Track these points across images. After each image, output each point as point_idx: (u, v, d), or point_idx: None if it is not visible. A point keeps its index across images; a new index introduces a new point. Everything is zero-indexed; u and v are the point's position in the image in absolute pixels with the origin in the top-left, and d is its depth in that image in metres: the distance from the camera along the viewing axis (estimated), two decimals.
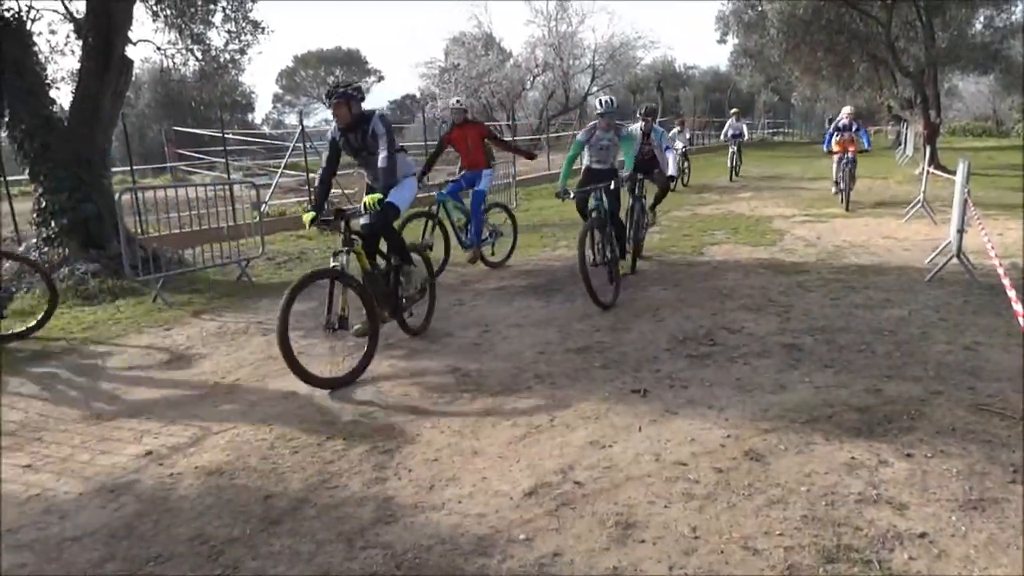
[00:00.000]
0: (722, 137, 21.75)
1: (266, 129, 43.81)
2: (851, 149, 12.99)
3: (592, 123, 7.48)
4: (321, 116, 52.99)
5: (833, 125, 13.66)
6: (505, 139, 11.55)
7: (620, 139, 7.43)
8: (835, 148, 13.23)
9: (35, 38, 8.71)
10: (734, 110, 20.02)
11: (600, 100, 7.45)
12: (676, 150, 16.25)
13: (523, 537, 3.05)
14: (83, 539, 3.16)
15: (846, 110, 13.53)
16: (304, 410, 4.56)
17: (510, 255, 9.27)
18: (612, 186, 6.89)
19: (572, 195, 6.83)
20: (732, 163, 19.50)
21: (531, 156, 10.07)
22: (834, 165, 13.63)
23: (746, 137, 20.97)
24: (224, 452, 3.98)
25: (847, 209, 12.54)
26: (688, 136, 19.06)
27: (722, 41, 24.07)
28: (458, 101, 9.08)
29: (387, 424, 4.28)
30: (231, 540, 3.10)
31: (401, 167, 5.72)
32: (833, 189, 13.79)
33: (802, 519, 3.10)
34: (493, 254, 9.12)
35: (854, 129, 13.06)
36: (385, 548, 3.00)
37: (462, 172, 8.89)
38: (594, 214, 6.84)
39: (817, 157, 23.05)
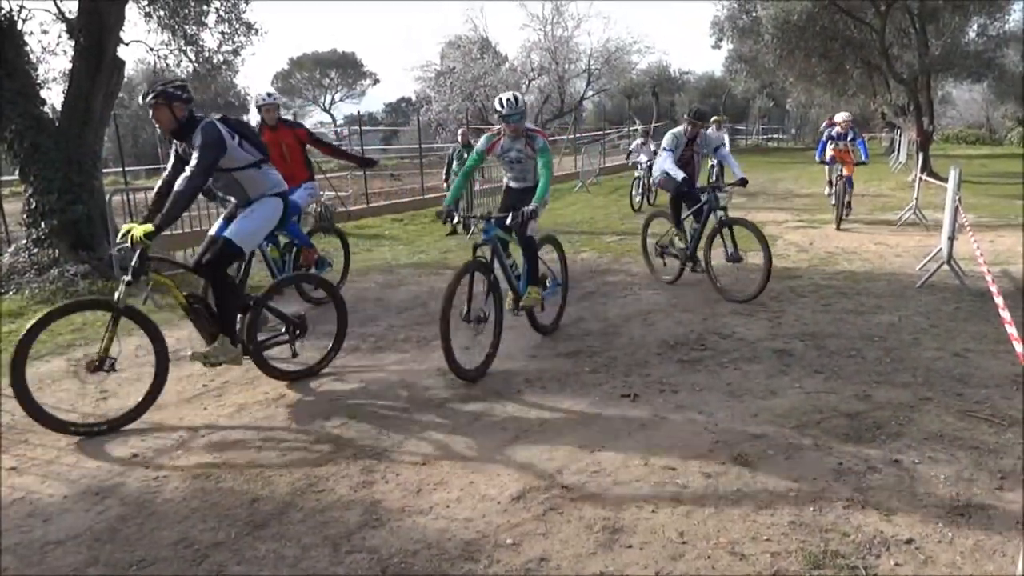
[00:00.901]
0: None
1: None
2: (846, 164, 11.56)
3: (497, 128, 5.68)
4: (316, 118, 53.01)
5: (827, 133, 12.08)
6: (333, 143, 9.51)
7: (536, 151, 5.53)
8: (830, 156, 11.91)
9: (26, 38, 8.67)
10: (714, 119, 15.75)
11: (500, 100, 5.45)
12: (640, 164, 15.03)
13: (510, 542, 3.04)
14: (66, 543, 3.13)
15: (841, 116, 11.93)
16: (293, 413, 4.54)
17: (344, 277, 7.73)
18: (511, 220, 5.22)
19: (456, 219, 5.42)
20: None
21: (370, 164, 8.63)
22: (826, 175, 12.61)
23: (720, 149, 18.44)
24: (211, 455, 3.96)
25: (838, 228, 11.21)
26: (654, 150, 15.99)
27: (717, 46, 24.15)
28: (269, 95, 7.28)
29: (376, 427, 4.26)
30: (216, 544, 3.08)
31: (259, 183, 4.79)
32: (826, 189, 12.80)
33: (789, 524, 3.10)
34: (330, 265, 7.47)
35: (849, 139, 11.64)
36: (371, 552, 2.99)
37: None
38: (478, 253, 5.22)
39: (811, 163, 23.12)
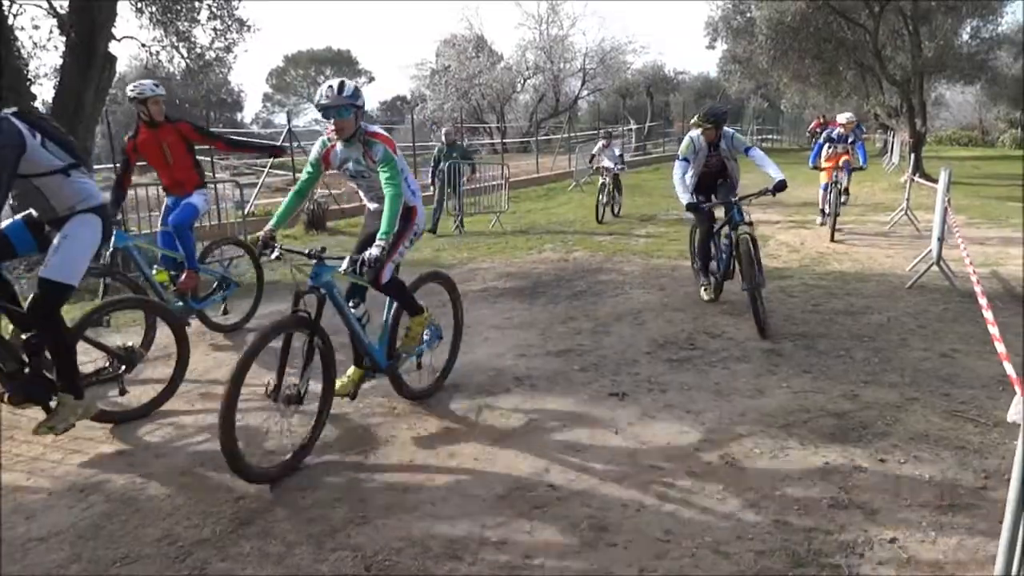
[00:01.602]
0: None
1: (255, 128, 43.64)
2: (842, 166, 10.71)
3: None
4: (311, 116, 52.84)
5: (825, 134, 11.09)
6: (230, 135, 7.98)
7: (377, 163, 4.01)
8: (824, 164, 10.80)
9: (17, 33, 8.66)
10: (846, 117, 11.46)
11: (322, 90, 3.94)
12: (607, 170, 13.39)
13: (495, 540, 3.04)
14: (49, 539, 3.12)
15: (845, 117, 10.95)
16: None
17: (252, 313, 6.60)
18: (347, 268, 3.78)
19: (275, 251, 4.02)
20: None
21: (279, 153, 7.68)
22: (820, 191, 11.37)
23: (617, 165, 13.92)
24: (197, 452, 3.94)
25: (832, 239, 10.11)
26: (619, 153, 14.24)
27: (711, 47, 24.16)
28: (156, 84, 5.89)
29: (363, 425, 4.26)
30: (200, 541, 3.07)
31: (66, 194, 3.86)
32: (819, 219, 11.51)
33: (774, 523, 3.10)
34: (226, 312, 6.54)
35: (850, 141, 10.78)
36: (355, 550, 2.98)
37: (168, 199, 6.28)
38: (301, 304, 3.77)
39: (805, 163, 23.14)
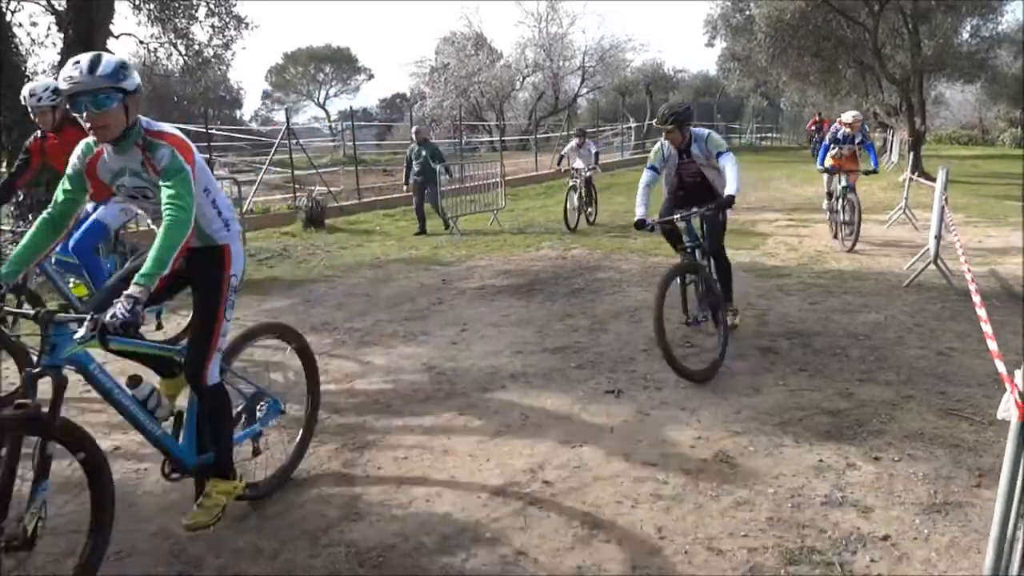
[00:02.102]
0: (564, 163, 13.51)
1: (254, 126, 43.62)
2: (850, 172, 9.58)
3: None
4: (311, 113, 52.89)
5: (830, 134, 9.97)
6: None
7: (161, 173, 2.71)
8: (830, 163, 9.81)
9: (15, 30, 8.65)
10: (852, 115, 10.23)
11: (66, 69, 2.62)
12: (579, 172, 12.35)
13: (489, 536, 3.05)
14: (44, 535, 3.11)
15: (851, 115, 9.82)
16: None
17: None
18: (83, 334, 2.49)
19: None
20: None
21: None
22: (824, 188, 10.44)
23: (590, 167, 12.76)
24: None
25: (851, 248, 9.14)
26: (595, 151, 13.05)
27: (710, 45, 24.20)
28: (54, 92, 4.99)
29: (358, 422, 4.27)
30: (194, 537, 3.07)
31: None
32: (830, 227, 10.23)
33: (767, 521, 3.11)
34: (160, 327, 5.83)
35: (857, 141, 9.67)
36: (349, 546, 2.99)
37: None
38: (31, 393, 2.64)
39: (803, 161, 23.20)
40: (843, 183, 9.49)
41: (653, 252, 9.52)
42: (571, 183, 12.48)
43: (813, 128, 27.63)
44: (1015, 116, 34.45)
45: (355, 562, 2.88)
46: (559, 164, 13.88)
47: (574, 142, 13.20)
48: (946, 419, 4.12)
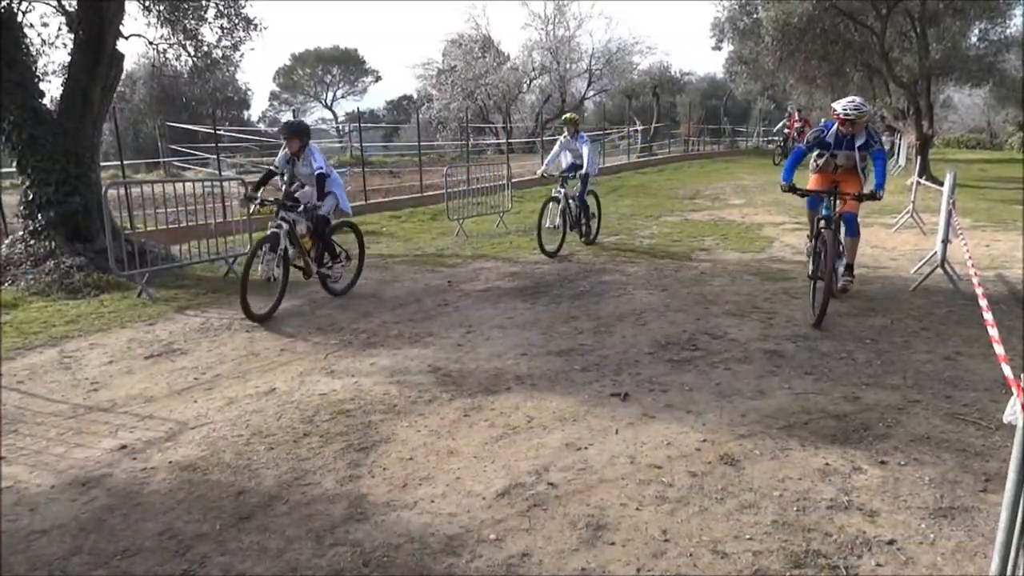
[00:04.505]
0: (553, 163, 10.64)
1: (262, 127, 43.73)
2: (844, 196, 6.25)
3: None
4: (318, 115, 52.99)
5: (812, 135, 6.74)
6: None
7: None
8: (812, 185, 6.66)
9: (26, 30, 8.69)
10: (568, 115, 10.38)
11: None
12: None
13: (493, 537, 3.05)
14: (51, 532, 3.14)
15: (842, 105, 6.21)
16: (282, 407, 4.54)
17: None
18: None
19: None
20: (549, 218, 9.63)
21: None
22: (806, 241, 7.30)
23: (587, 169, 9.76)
24: (199, 448, 3.97)
25: (817, 324, 5.95)
26: (587, 148, 9.73)
27: (717, 48, 24.10)
28: None
29: (364, 422, 4.27)
30: (200, 535, 3.09)
31: None
32: (809, 266, 6.68)
33: (772, 524, 3.11)
34: None
35: (858, 145, 6.31)
36: (354, 546, 3.00)
37: None
38: None
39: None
40: (827, 212, 6.27)
41: (659, 255, 9.52)
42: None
43: (792, 131, 25.26)
44: (1022, 120, 34.28)
45: (360, 562, 2.89)
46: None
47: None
48: (953, 423, 4.10)
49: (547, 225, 9.53)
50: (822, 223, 6.26)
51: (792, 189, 6.32)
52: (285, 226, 6.73)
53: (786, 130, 26.16)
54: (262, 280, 6.61)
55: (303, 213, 6.94)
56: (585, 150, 9.68)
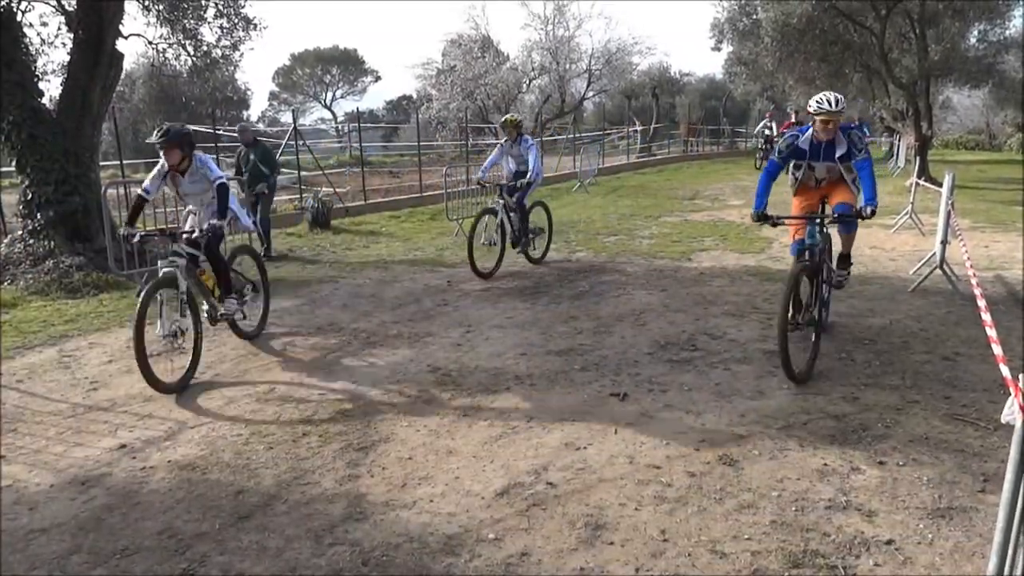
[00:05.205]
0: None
1: (261, 127, 43.70)
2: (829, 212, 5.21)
3: None
4: (317, 115, 53.01)
5: (784, 142, 5.37)
6: None
7: None
8: (796, 209, 5.50)
9: (26, 30, 8.70)
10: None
11: None
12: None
13: (492, 536, 3.05)
14: (50, 531, 3.15)
15: (816, 100, 4.94)
16: (281, 407, 4.55)
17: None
18: None
19: None
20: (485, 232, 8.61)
21: None
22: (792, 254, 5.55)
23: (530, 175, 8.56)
24: (198, 447, 3.97)
25: (803, 378, 4.75)
26: (533, 154, 8.56)
27: (717, 49, 24.09)
28: None
29: (363, 422, 4.28)
30: (199, 535, 3.09)
31: None
32: (783, 309, 4.72)
33: (771, 524, 3.11)
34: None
35: (838, 155, 5.12)
36: (353, 545, 3.00)
37: None
38: None
39: None
40: (812, 240, 5.09)
41: (658, 256, 9.53)
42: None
43: (767, 130, 23.30)
44: (1021, 121, 34.30)
45: (359, 561, 2.89)
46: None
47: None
48: (951, 424, 4.11)
49: (482, 242, 8.42)
50: (803, 254, 5.09)
51: (764, 219, 4.96)
52: (182, 260, 5.14)
53: (767, 131, 24.33)
54: (164, 339, 4.96)
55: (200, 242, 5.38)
56: (531, 155, 8.57)
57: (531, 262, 9.00)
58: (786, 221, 5.17)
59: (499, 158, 8.93)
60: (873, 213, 4.90)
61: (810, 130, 5.15)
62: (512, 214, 8.54)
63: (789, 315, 4.75)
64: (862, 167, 5.06)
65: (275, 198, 11.47)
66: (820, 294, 5.16)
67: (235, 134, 10.56)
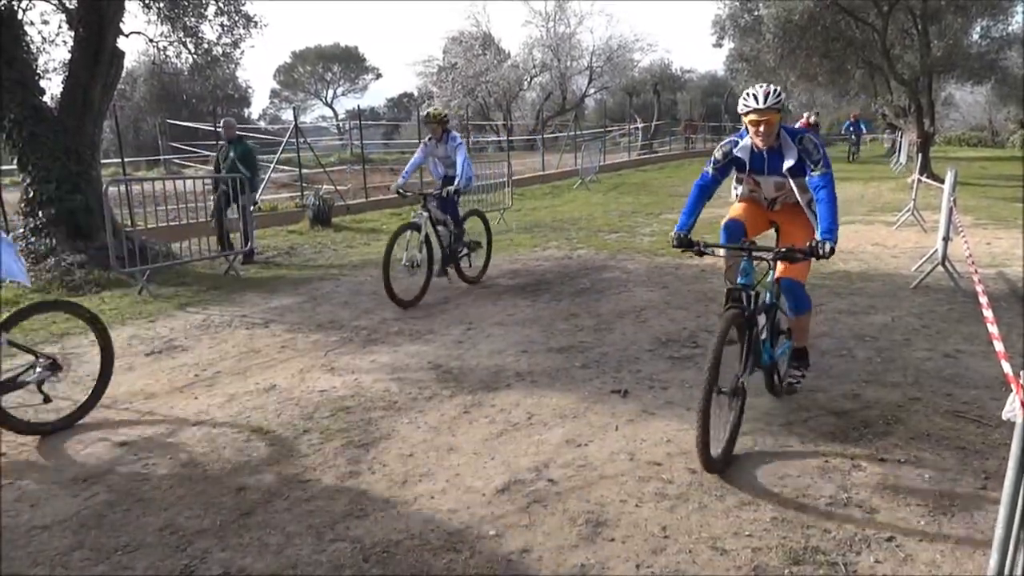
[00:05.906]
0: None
1: (262, 124, 43.72)
2: (786, 256, 3.64)
3: None
4: (318, 112, 53.01)
5: (722, 150, 4.04)
6: None
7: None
8: (734, 215, 4.24)
9: (26, 28, 8.71)
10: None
11: None
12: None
13: (493, 533, 3.05)
14: (52, 528, 3.15)
15: (747, 100, 3.70)
16: (283, 404, 4.55)
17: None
18: None
19: None
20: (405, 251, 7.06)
21: None
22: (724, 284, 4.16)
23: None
24: (200, 444, 3.97)
25: (719, 468, 3.54)
26: (461, 156, 7.36)
27: (718, 45, 24.07)
28: None
29: (364, 419, 4.28)
30: (200, 531, 3.10)
31: None
32: (708, 369, 3.48)
33: (771, 521, 3.11)
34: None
35: (787, 167, 3.81)
36: (354, 542, 3.00)
37: None
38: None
39: None
40: (744, 279, 3.80)
41: (659, 253, 9.52)
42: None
43: (691, 134, 22.72)
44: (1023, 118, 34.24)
45: (360, 558, 2.90)
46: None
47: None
48: (952, 421, 4.11)
49: (402, 262, 6.94)
50: (733, 297, 3.69)
51: (687, 245, 3.79)
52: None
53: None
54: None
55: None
56: (459, 156, 7.33)
57: (466, 282, 7.74)
58: (715, 251, 3.88)
59: (422, 160, 7.70)
60: (832, 251, 3.52)
61: (747, 136, 3.90)
62: (440, 227, 7.35)
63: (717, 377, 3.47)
64: (819, 184, 3.72)
65: (276, 197, 11.48)
66: (754, 351, 3.81)
67: (239, 132, 10.58)
